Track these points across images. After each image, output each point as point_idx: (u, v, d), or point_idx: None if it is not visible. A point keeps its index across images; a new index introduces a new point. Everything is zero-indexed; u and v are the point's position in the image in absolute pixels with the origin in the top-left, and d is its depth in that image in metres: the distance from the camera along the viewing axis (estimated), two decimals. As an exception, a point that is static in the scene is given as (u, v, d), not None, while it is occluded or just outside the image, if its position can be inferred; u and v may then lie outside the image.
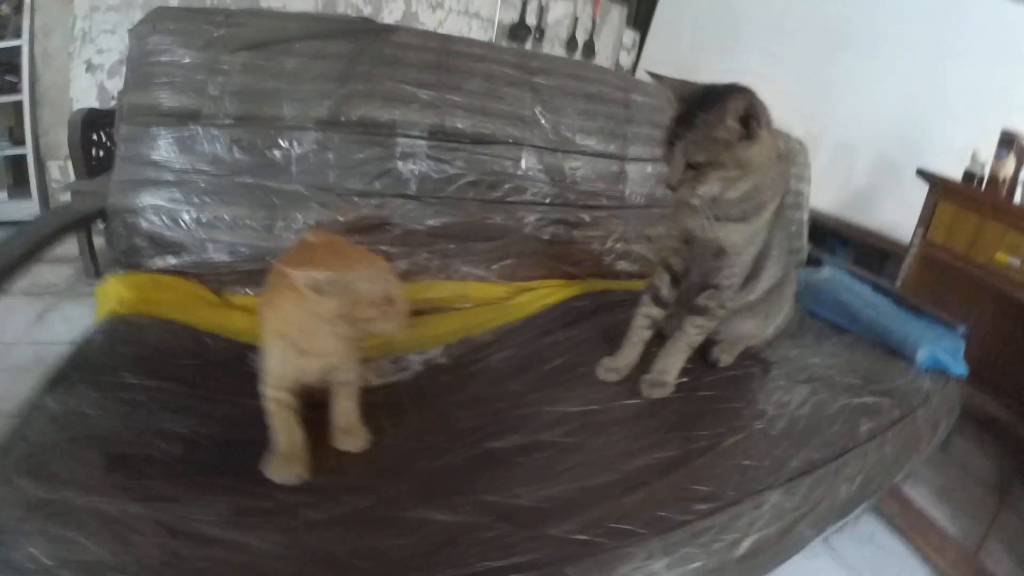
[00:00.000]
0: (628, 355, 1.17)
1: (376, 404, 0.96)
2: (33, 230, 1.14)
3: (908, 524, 1.52)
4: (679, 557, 0.82)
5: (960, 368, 1.36)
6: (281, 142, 1.29)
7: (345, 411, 0.92)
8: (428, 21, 2.86)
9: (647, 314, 1.18)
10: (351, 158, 1.32)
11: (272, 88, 1.29)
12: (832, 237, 2.36)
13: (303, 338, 0.85)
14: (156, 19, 1.30)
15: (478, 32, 2.90)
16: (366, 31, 1.42)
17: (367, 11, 2.73)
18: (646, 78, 1.65)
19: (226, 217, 1.24)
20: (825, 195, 2.25)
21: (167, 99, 1.24)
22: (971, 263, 1.71)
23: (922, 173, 1.87)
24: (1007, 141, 1.70)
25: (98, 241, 2.31)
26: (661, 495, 0.89)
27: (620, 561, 0.78)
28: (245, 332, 1.10)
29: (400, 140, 1.36)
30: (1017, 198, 1.69)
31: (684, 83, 1.00)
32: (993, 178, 1.71)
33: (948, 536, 1.50)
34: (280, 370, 0.87)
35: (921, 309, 1.53)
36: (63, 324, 2.04)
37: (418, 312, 1.26)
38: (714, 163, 0.94)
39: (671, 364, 1.14)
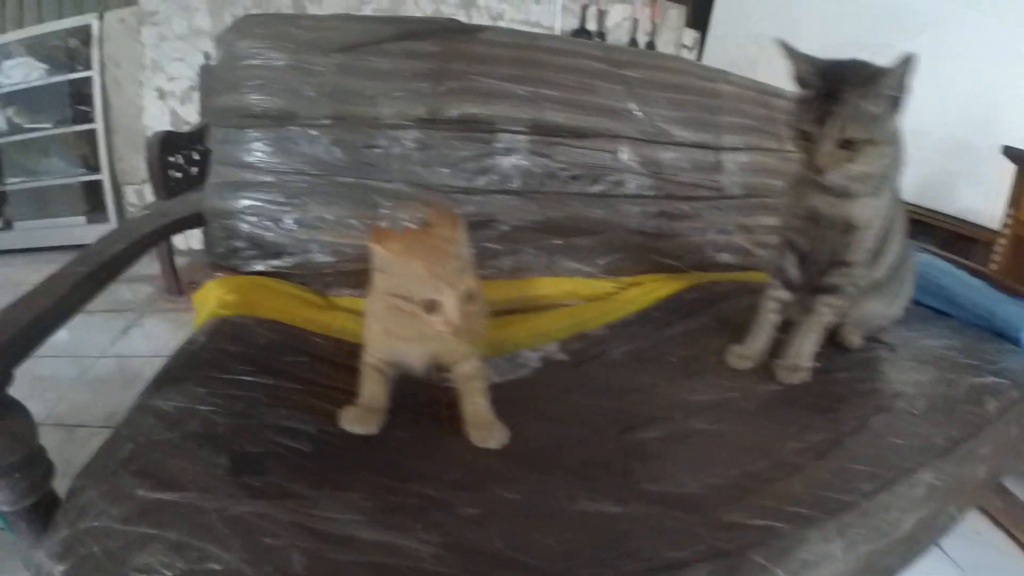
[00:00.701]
0: (758, 341, 1.10)
1: (504, 400, 0.90)
2: (130, 229, 1.12)
3: (1014, 520, 1.45)
4: (852, 539, 0.78)
5: None
6: (380, 141, 1.26)
7: (475, 407, 0.87)
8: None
9: (776, 297, 1.11)
10: (452, 155, 1.30)
11: (368, 88, 1.27)
12: (914, 224, 2.26)
13: (384, 316, 0.84)
14: (244, 25, 1.30)
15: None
16: (455, 31, 1.40)
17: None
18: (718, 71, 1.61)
19: (328, 217, 1.22)
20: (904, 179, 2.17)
21: (261, 102, 1.23)
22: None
23: (1008, 151, 1.79)
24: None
25: (178, 260, 2.36)
26: (822, 477, 0.84)
27: (799, 545, 0.73)
28: (353, 333, 1.06)
29: (500, 136, 1.33)
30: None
31: (814, 58, 0.94)
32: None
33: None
34: (375, 345, 0.88)
35: (1020, 291, 1.46)
36: (144, 340, 2.06)
37: (526, 309, 1.23)
38: (870, 139, 0.90)
39: (805, 347, 1.07)
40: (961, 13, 2.23)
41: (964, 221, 2.19)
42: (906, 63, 0.87)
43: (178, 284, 2.32)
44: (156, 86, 2.76)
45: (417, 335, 0.83)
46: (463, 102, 1.30)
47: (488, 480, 0.78)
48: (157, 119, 2.75)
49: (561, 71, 1.40)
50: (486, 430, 0.86)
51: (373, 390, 0.87)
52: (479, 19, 2.82)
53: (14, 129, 2.81)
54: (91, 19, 2.80)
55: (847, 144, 0.90)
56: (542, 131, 1.36)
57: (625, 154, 1.43)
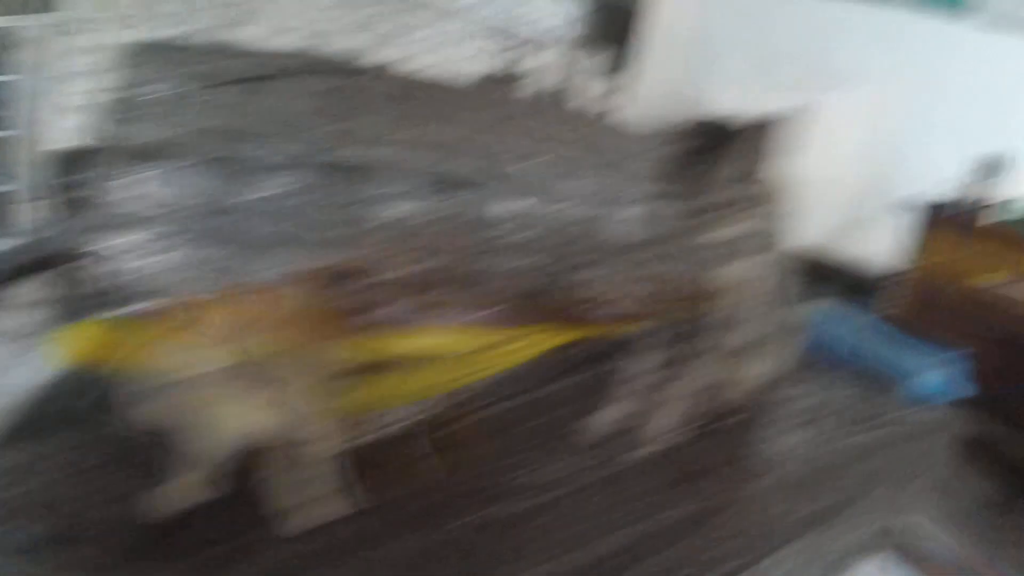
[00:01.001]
0: (628, 405, 1.11)
1: (356, 463, 0.88)
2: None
3: (918, 551, 1.45)
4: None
5: (963, 390, 1.37)
6: (263, 182, 1.23)
7: (320, 473, 0.85)
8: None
9: (645, 361, 1.12)
10: (335, 199, 1.26)
11: (255, 126, 1.24)
12: (814, 271, 2.33)
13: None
14: (139, 52, 1.27)
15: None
16: (351, 71, 1.39)
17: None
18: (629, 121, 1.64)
19: (202, 259, 1.18)
20: (804, 228, 2.24)
21: (145, 133, 1.20)
22: (962, 286, 1.75)
23: (907, 200, 1.90)
24: (987, 165, 1.81)
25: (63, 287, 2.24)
26: (690, 552, 0.84)
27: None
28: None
29: (385, 182, 1.30)
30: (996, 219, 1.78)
31: (700, 115, 0.96)
32: (976, 201, 1.80)
33: (957, 560, 1.46)
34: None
35: (917, 337, 1.51)
36: (23, 373, 1.94)
37: (403, 364, 1.20)
38: (744, 199, 0.91)
39: (673, 412, 1.08)
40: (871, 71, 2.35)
41: (866, 266, 2.27)
42: (777, 128, 0.89)
43: (66, 313, 2.20)
44: (70, 98, 2.66)
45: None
46: (349, 145, 1.28)
47: (329, 552, 0.76)
48: (69, 132, 2.65)
49: (455, 118, 1.40)
50: (325, 500, 0.83)
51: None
52: (398, 57, 2.78)
53: (-79, 133, 2.67)
54: (19, 22, 2.69)
55: (723, 199, 0.92)
56: (433, 177, 1.34)
57: (518, 203, 1.42)
